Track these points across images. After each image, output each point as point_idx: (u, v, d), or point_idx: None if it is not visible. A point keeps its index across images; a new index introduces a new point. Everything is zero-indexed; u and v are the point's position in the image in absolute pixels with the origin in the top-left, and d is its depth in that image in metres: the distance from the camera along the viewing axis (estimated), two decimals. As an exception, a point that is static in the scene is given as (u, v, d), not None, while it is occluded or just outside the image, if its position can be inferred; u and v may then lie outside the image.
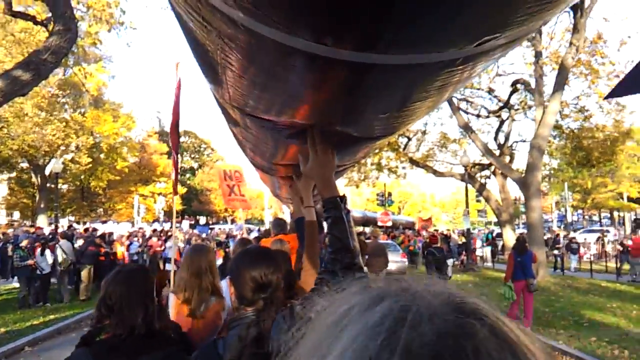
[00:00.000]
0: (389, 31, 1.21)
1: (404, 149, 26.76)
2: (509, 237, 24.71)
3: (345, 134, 2.18)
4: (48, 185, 33.12)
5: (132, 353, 1.85)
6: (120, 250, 16.76)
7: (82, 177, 37.93)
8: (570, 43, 17.13)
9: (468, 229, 22.54)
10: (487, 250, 24.44)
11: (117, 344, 1.87)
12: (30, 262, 12.95)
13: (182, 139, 70.55)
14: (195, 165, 69.09)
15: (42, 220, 32.71)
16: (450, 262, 12.03)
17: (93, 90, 36.63)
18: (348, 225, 1.94)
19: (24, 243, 13.35)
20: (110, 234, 19.67)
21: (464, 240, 22.64)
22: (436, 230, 27.95)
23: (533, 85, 20.01)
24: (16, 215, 50.40)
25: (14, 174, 39.93)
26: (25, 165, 35.92)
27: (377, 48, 1.29)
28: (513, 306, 10.09)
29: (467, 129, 22.26)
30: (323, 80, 1.61)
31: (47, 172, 33.09)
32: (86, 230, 17.30)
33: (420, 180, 48.99)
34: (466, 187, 23.43)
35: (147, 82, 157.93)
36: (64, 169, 37.10)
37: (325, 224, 2.05)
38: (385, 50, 1.30)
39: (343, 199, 2.04)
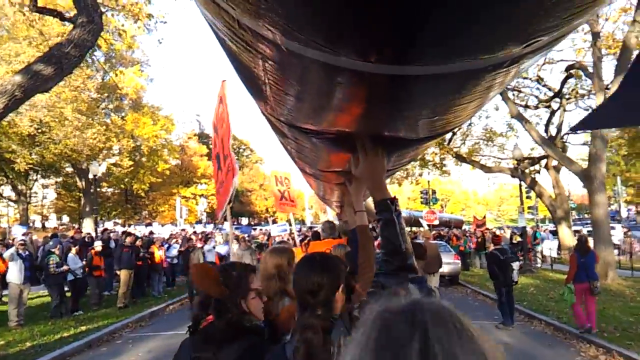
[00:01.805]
0: (431, 44, 1.21)
1: (449, 143, 25.11)
2: (565, 235, 22.99)
3: (394, 138, 2.17)
4: (92, 188, 32.94)
5: (219, 342, 1.92)
6: (158, 253, 15.70)
7: (125, 180, 37.55)
8: (634, 20, 15.22)
9: (524, 227, 20.78)
10: (553, 247, 22.11)
11: (206, 333, 1.99)
12: (65, 267, 12.02)
13: (221, 141, 70.22)
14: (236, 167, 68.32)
15: (87, 224, 32.56)
16: (516, 265, 10.47)
17: (131, 94, 36.78)
18: (399, 227, 1.93)
19: (56, 249, 12.41)
20: (151, 235, 18.72)
21: (519, 239, 20.74)
22: (487, 229, 26.04)
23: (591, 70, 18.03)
24: (66, 219, 50.88)
25: (60, 179, 40.06)
26: (70, 169, 36.41)
27: (422, 61, 1.28)
28: (576, 309, 9.51)
29: (520, 118, 20.49)
30: (369, 94, 1.60)
31: (90, 176, 33.05)
32: (123, 233, 16.33)
33: (461, 177, 47.21)
34: (520, 183, 21.74)
35: (186, 86, 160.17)
36: (108, 172, 37.34)
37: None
38: (430, 62, 1.29)
39: (394, 201, 2.04)
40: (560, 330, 10.25)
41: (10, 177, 34.94)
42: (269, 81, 1.66)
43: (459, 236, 24.32)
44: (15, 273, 11.38)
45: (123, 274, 13.65)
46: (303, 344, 1.67)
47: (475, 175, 75.10)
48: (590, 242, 11.85)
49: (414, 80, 1.41)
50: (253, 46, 1.41)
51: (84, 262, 13.22)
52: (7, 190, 39.39)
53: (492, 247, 11.84)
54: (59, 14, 10.45)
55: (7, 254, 11.75)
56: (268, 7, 1.17)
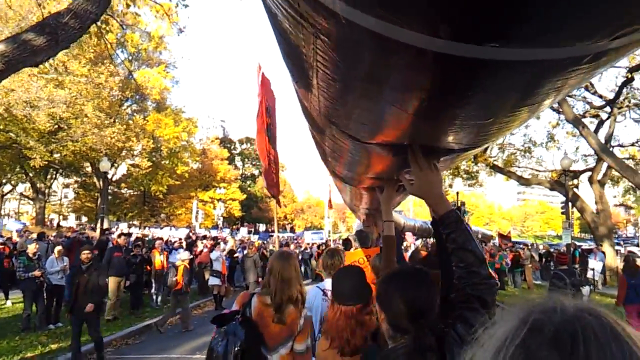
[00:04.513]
0: (516, 21, 1.02)
1: (484, 151, 22.68)
2: (608, 255, 20.38)
3: (442, 145, 2.01)
4: (102, 186, 31.80)
5: None
6: (159, 259, 13.57)
7: (143, 181, 36.40)
8: None
9: (568, 245, 18.27)
10: (597, 267, 19.12)
11: None
12: (36, 272, 9.86)
13: (243, 146, 69.16)
14: (256, 172, 67.11)
15: (104, 224, 31.38)
16: (586, 290, 8.22)
17: (155, 95, 35.46)
18: (473, 237, 1.84)
19: (31, 248, 10.32)
20: (159, 239, 16.66)
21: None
22: (520, 245, 23.41)
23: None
24: (85, 219, 50.20)
25: (80, 178, 39.65)
26: (90, 169, 36.53)
27: (499, 40, 1.08)
28: None
29: (577, 123, 18.09)
30: (430, 82, 1.38)
31: (109, 176, 31.87)
32: (121, 235, 14.21)
33: (485, 191, 45.05)
34: (567, 195, 19.41)
35: (214, 93, 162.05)
36: (128, 174, 36.19)
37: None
38: (508, 44, 1.10)
39: (459, 210, 2.06)
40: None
41: (30, 174, 33.87)
42: (318, 64, 1.47)
43: (493, 252, 21.65)
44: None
45: (111, 282, 11.49)
46: None
47: (500, 189, 72.47)
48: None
49: (481, 67, 1.20)
50: (307, 19, 1.24)
51: (63, 266, 10.96)
52: (24, 188, 38.42)
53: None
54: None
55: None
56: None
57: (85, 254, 8.36)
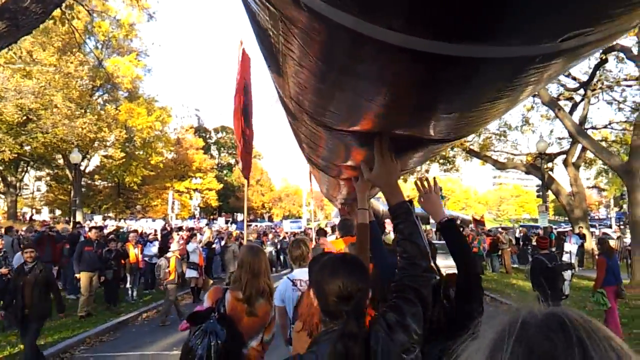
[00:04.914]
0: (470, 19, 1.02)
1: (460, 137, 22.71)
2: (588, 237, 20.57)
3: (410, 138, 2.08)
4: (74, 177, 31.00)
5: None
6: (133, 252, 13.17)
7: (117, 172, 35.72)
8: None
9: (545, 228, 18.36)
10: (573, 250, 19.09)
11: None
12: (2, 270, 9.41)
13: (219, 135, 68.15)
14: (232, 161, 66.25)
15: (78, 217, 30.56)
16: (567, 274, 8.14)
17: (126, 83, 34.55)
18: (420, 229, 1.93)
19: (-2, 244, 9.92)
20: (134, 232, 16.19)
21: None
22: (500, 229, 23.54)
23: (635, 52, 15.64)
24: (59, 212, 48.95)
25: (52, 171, 38.68)
26: (61, 161, 35.36)
27: (455, 38, 1.09)
28: (612, 314, 9.02)
29: (553, 105, 18.04)
30: (391, 75, 1.40)
31: (82, 167, 31.02)
32: (92, 229, 13.69)
33: (461, 176, 45.43)
34: (543, 177, 19.67)
35: (188, 82, 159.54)
36: (101, 165, 35.31)
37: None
38: (462, 41, 1.10)
39: (411, 202, 2.05)
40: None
41: (0, 167, 32.88)
42: (285, 49, 1.45)
43: (472, 236, 21.64)
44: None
45: (83, 278, 11.08)
46: (343, 354, 1.59)
47: (475, 174, 73.26)
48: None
49: (454, 63, 1.19)
50: (272, 2, 1.21)
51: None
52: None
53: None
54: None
55: None
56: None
57: (28, 253, 7.48)
